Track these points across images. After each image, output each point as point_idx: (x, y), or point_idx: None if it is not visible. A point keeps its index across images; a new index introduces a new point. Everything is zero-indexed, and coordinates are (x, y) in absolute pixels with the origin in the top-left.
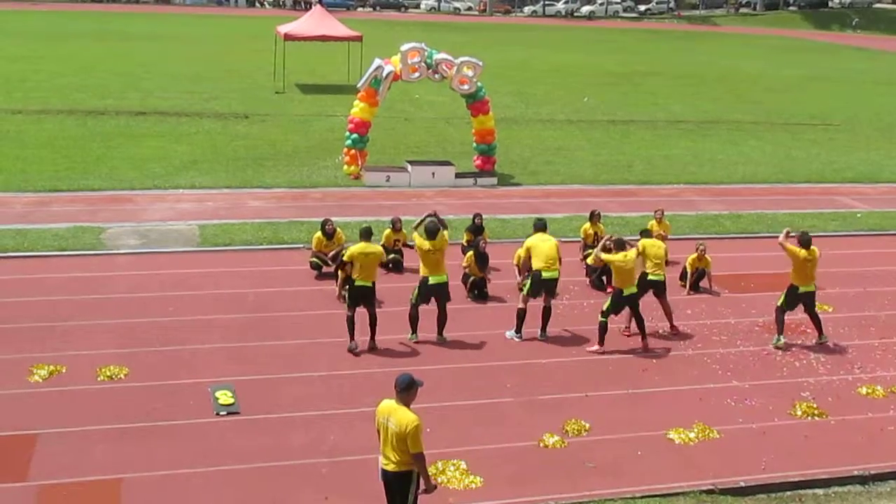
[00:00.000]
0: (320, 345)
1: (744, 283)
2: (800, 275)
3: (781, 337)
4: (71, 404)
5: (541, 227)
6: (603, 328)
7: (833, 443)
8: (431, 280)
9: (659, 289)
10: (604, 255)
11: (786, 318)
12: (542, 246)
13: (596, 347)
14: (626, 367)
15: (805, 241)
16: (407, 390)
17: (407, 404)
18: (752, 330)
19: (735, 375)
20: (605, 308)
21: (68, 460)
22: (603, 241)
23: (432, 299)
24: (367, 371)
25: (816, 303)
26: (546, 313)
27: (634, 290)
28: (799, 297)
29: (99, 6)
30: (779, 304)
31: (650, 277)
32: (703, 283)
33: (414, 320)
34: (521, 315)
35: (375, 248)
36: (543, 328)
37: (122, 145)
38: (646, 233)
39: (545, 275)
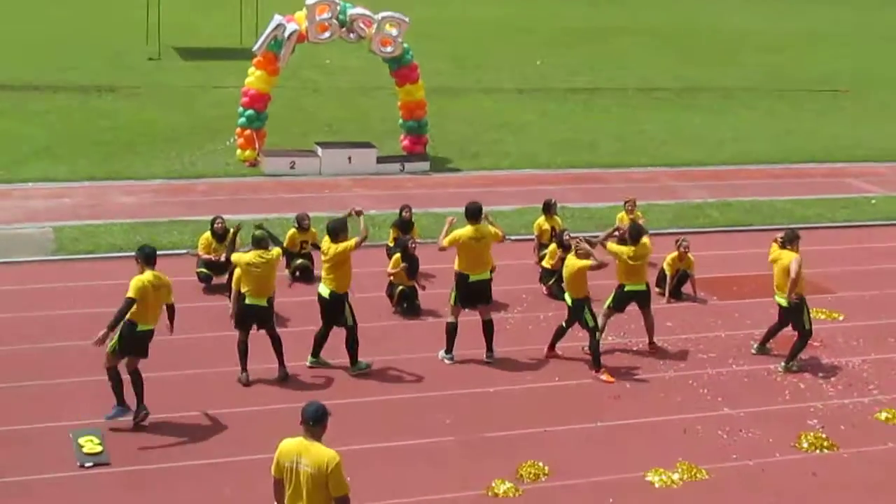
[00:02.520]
0: (211, 376)
1: (736, 286)
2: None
3: (765, 346)
4: None
5: (474, 214)
6: (594, 339)
7: (847, 481)
8: (321, 290)
9: (640, 300)
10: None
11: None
12: (470, 242)
13: (547, 352)
14: (594, 395)
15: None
16: (320, 422)
17: (319, 439)
18: (747, 345)
19: (727, 401)
20: (605, 304)
21: None
22: (608, 231)
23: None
24: (268, 407)
25: (824, 310)
26: (487, 329)
27: (644, 287)
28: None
29: None
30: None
31: (626, 289)
32: (686, 289)
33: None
34: (451, 331)
35: (271, 252)
36: (489, 347)
37: None
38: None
39: (473, 277)
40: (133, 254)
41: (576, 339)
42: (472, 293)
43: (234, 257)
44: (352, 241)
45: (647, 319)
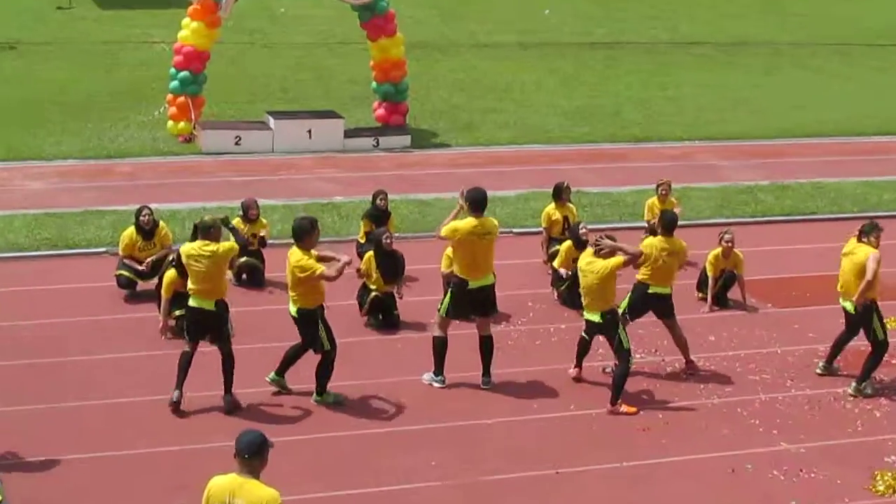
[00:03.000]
0: (135, 406)
1: (796, 290)
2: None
3: (832, 364)
4: None
5: (477, 202)
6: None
7: None
8: (289, 306)
9: (662, 307)
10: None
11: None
12: (472, 238)
13: (572, 371)
14: (619, 428)
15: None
16: (259, 454)
17: (257, 475)
18: (809, 363)
19: (784, 434)
20: (620, 307)
21: None
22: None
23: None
24: (205, 446)
25: (887, 317)
26: (486, 347)
27: (668, 291)
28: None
29: None
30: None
31: (650, 290)
32: (734, 294)
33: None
34: (439, 348)
35: (218, 245)
36: (486, 370)
37: None
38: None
39: (473, 283)
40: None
41: (593, 356)
42: (471, 303)
43: (182, 249)
44: (318, 267)
45: (674, 333)
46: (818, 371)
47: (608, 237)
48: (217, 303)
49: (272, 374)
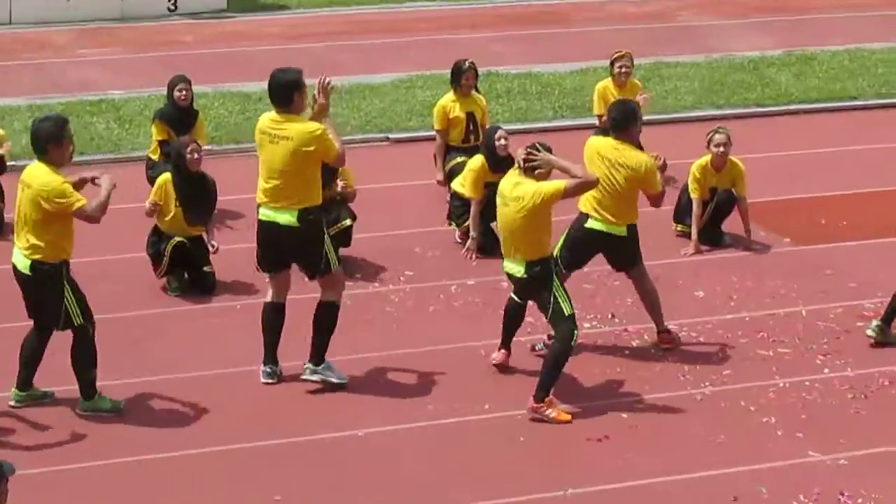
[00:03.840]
0: None
1: (825, 218)
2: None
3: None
4: None
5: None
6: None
7: None
8: (14, 259)
9: (616, 252)
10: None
11: None
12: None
13: (497, 355)
14: (559, 436)
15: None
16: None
17: None
18: (853, 328)
19: (815, 439)
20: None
21: None
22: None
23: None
24: None
25: None
26: (322, 318)
27: (623, 229)
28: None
29: None
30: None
31: (593, 225)
32: (731, 225)
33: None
34: (270, 324)
35: None
36: (314, 352)
37: None
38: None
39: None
40: None
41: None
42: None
43: None
44: (75, 197)
45: (640, 288)
46: (870, 333)
47: (542, 147)
48: None
49: (15, 393)
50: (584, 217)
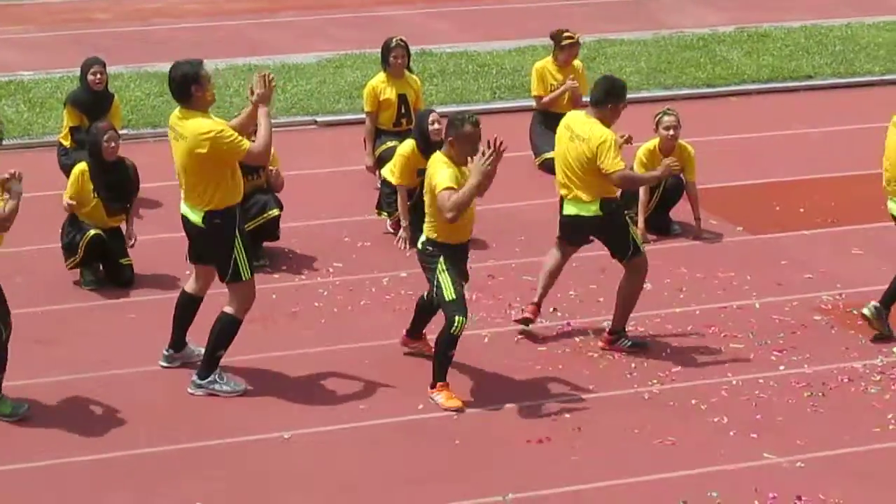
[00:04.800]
0: None
1: (780, 204)
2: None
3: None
4: None
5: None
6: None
7: None
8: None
9: (599, 235)
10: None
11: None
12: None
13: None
14: (502, 437)
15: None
16: None
17: None
18: (808, 322)
19: (770, 439)
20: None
21: None
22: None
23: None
24: None
25: None
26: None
27: (595, 209)
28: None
29: None
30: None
31: (565, 210)
32: (679, 213)
33: None
34: (182, 312)
35: None
36: (208, 355)
37: None
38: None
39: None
40: None
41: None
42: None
43: None
44: None
45: (623, 282)
46: (865, 313)
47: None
48: None
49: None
50: (561, 201)
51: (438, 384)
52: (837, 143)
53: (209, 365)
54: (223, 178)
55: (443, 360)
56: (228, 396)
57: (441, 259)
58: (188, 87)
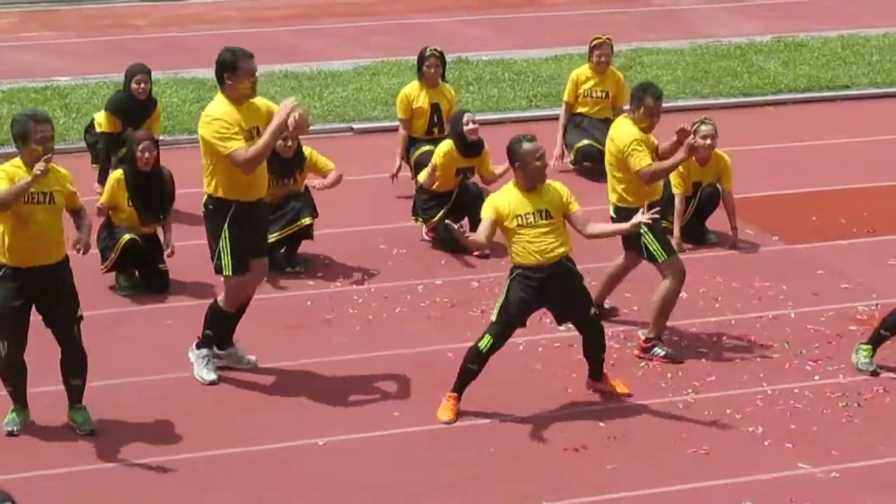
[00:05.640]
0: None
1: (817, 215)
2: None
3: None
4: None
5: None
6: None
7: None
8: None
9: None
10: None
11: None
12: None
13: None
14: (534, 444)
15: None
16: None
17: None
18: (845, 332)
19: (805, 450)
20: None
21: None
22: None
23: None
24: None
25: None
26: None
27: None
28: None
29: None
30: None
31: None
32: (716, 222)
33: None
34: (222, 318)
35: None
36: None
37: None
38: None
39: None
40: None
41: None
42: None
43: None
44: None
45: (659, 287)
46: (859, 362)
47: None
48: None
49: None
50: None
51: (448, 393)
52: (874, 153)
53: (204, 341)
54: (220, 165)
55: (462, 370)
56: (197, 378)
57: (508, 282)
58: (222, 73)
